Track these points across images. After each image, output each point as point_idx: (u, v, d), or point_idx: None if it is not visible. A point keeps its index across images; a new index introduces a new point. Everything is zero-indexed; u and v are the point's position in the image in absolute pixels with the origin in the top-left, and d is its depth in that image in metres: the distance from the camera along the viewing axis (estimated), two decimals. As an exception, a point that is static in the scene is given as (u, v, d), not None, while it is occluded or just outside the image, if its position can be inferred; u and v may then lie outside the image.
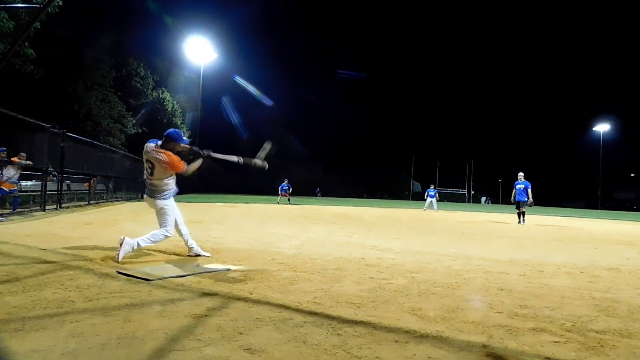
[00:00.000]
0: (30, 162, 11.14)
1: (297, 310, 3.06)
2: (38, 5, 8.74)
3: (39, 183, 12.43)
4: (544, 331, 2.81)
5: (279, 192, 26.91)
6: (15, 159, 10.81)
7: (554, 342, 2.62)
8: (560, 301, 3.67)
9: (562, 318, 3.13)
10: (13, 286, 3.46)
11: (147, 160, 4.91)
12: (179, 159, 4.92)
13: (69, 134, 13.50)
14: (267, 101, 58.42)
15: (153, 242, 4.91)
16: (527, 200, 14.82)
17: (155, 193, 4.97)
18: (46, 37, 21.21)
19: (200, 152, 5.16)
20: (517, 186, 15.10)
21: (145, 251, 5.31)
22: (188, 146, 5.09)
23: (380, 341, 2.51)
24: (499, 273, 4.94)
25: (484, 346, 2.49)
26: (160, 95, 39.94)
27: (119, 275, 4.02)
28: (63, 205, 13.34)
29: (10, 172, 10.74)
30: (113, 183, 20.08)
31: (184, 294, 3.43)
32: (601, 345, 2.58)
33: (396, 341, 2.52)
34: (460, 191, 75.87)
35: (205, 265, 4.64)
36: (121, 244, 4.66)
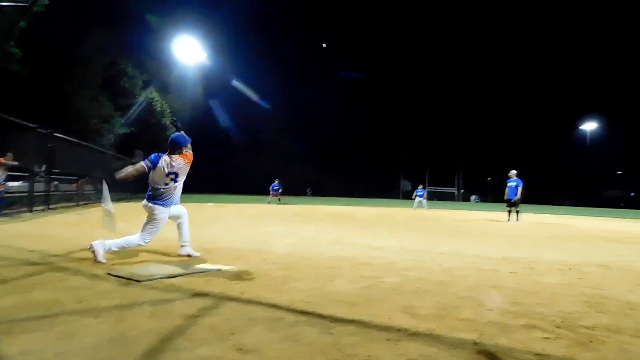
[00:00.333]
0: (16, 163, 11.00)
1: (290, 310, 3.05)
2: (24, 4, 8.60)
3: (27, 184, 12.27)
4: (535, 328, 2.83)
5: (270, 192, 26.73)
6: (1, 160, 10.68)
7: (545, 338, 2.64)
8: (551, 298, 3.70)
9: (552, 315, 3.15)
10: (1, 288, 3.42)
11: (172, 172, 4.95)
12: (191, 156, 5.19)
13: (56, 134, 13.35)
14: (259, 100, 58.23)
15: (125, 247, 4.87)
16: (516, 198, 14.84)
17: (173, 200, 5.02)
18: (34, 36, 20.96)
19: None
20: (509, 184, 15.13)
21: (135, 252, 5.27)
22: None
23: (373, 340, 2.51)
24: (491, 271, 4.97)
25: (475, 343, 2.51)
26: (149, 95, 39.62)
27: (109, 276, 3.99)
28: (51, 206, 13.20)
29: (-3, 173, 10.60)
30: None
31: (175, 294, 3.41)
32: (591, 341, 2.61)
33: (388, 339, 2.52)
34: (450, 190, 76.24)
35: (197, 266, 4.61)
36: (92, 251, 4.66)
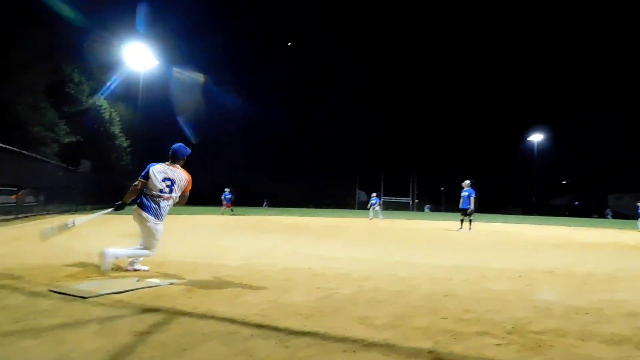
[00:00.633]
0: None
1: (244, 324, 2.98)
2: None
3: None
4: (487, 334, 2.90)
5: (222, 203, 25.43)
6: None
7: (496, 344, 2.70)
8: (502, 305, 3.80)
9: (503, 321, 3.24)
10: None
11: (167, 179, 4.89)
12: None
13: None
14: (213, 105, 57.68)
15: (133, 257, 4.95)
16: (470, 207, 15.21)
17: (161, 213, 4.89)
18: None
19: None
20: (463, 194, 15.52)
21: (81, 266, 5.03)
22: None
23: (329, 351, 2.48)
24: (444, 279, 5.06)
25: (430, 352, 2.53)
26: (97, 103, 38.27)
27: (51, 293, 3.76)
28: (-12, 220, 12.40)
29: None
30: (45, 195, 18.92)
31: (123, 310, 3.25)
32: (539, 346, 2.69)
33: (345, 351, 2.51)
34: (405, 199, 77.78)
35: (147, 280, 4.44)
36: (103, 256, 4.63)
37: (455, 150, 78.49)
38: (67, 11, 29.56)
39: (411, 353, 2.50)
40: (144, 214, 4.79)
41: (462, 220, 15.66)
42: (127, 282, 4.27)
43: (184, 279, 4.57)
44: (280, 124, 74.13)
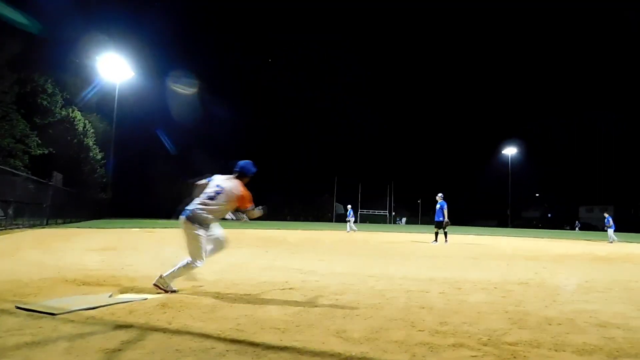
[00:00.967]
0: None
1: (220, 339, 2.93)
2: None
3: None
4: (463, 346, 2.91)
5: None
6: None
7: (472, 356, 2.72)
8: (477, 316, 3.84)
9: (479, 332, 3.27)
10: None
11: (217, 185, 4.76)
12: (250, 196, 4.87)
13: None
14: (192, 116, 57.26)
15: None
16: (443, 220, 15.38)
17: (205, 219, 4.75)
18: None
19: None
20: (437, 206, 15.72)
21: (49, 282, 4.87)
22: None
23: (306, 366, 2.46)
24: (420, 292, 5.09)
25: (407, 365, 2.53)
26: (70, 114, 37.52)
27: (18, 310, 3.62)
28: (-47, 234, 11.96)
29: None
30: (14, 208, 18.35)
31: (95, 327, 3.16)
32: (514, 357, 2.72)
33: (322, 365, 2.48)
34: (382, 212, 78.28)
35: (120, 295, 4.33)
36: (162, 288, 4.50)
37: (432, 163, 79.79)
38: (19, 17, 28.53)
39: (388, 366, 2.50)
40: (186, 221, 4.73)
41: (436, 234, 15.80)
42: (99, 298, 4.16)
43: (158, 294, 4.48)
44: (257, 136, 74.08)
